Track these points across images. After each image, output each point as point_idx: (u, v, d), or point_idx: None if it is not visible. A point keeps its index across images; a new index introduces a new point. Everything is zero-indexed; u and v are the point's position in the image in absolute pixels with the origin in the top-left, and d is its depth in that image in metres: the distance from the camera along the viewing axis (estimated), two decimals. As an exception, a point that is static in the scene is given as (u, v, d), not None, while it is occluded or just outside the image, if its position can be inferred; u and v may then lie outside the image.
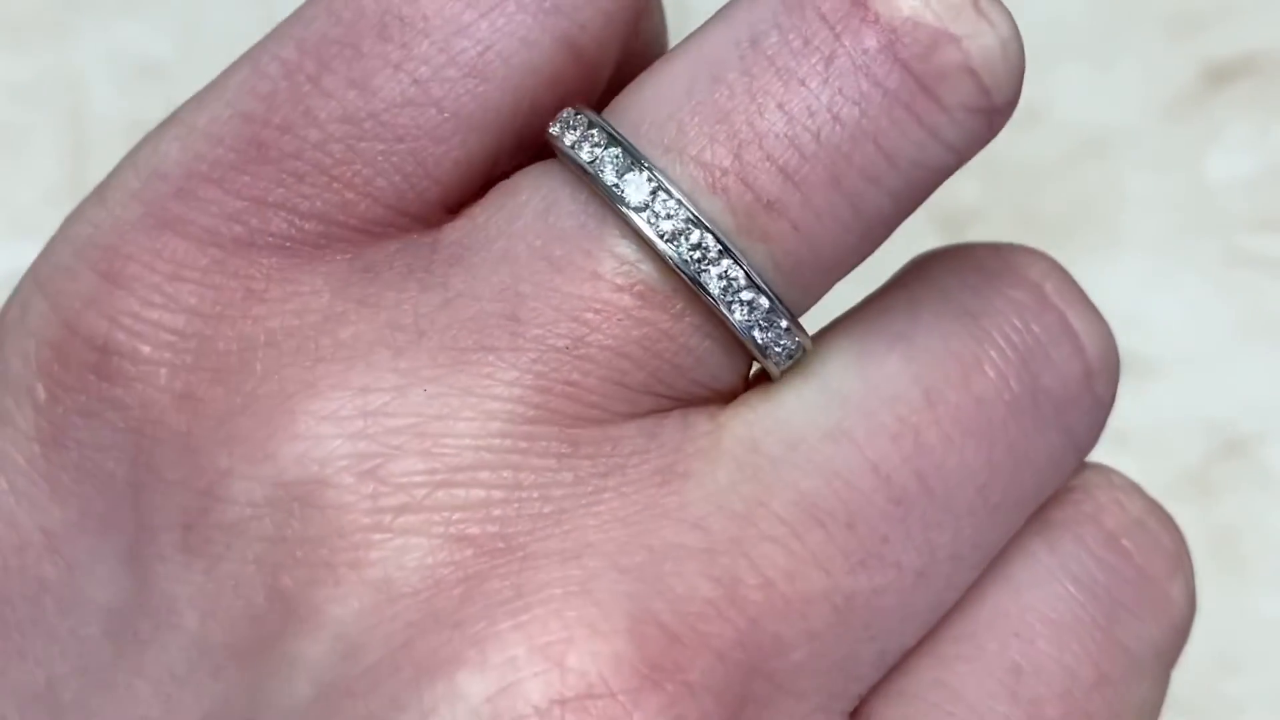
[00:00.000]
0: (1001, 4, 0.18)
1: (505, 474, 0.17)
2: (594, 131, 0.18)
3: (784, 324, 0.18)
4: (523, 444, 0.17)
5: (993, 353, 0.19)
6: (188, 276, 0.18)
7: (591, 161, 0.18)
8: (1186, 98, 0.37)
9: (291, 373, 0.17)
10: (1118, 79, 0.37)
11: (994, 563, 0.19)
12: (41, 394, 0.18)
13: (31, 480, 0.18)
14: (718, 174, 0.17)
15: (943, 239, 0.22)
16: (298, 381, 0.17)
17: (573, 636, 0.17)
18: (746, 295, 0.18)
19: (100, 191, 0.19)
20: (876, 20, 0.17)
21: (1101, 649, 0.19)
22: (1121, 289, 0.36)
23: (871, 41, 0.17)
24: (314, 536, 0.17)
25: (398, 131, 0.18)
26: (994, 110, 0.18)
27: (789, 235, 0.18)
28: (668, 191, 0.17)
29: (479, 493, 0.17)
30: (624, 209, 0.17)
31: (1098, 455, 0.21)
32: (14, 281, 0.19)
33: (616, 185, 0.17)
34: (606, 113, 0.18)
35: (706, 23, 0.18)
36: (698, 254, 0.17)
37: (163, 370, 0.18)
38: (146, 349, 0.18)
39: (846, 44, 0.18)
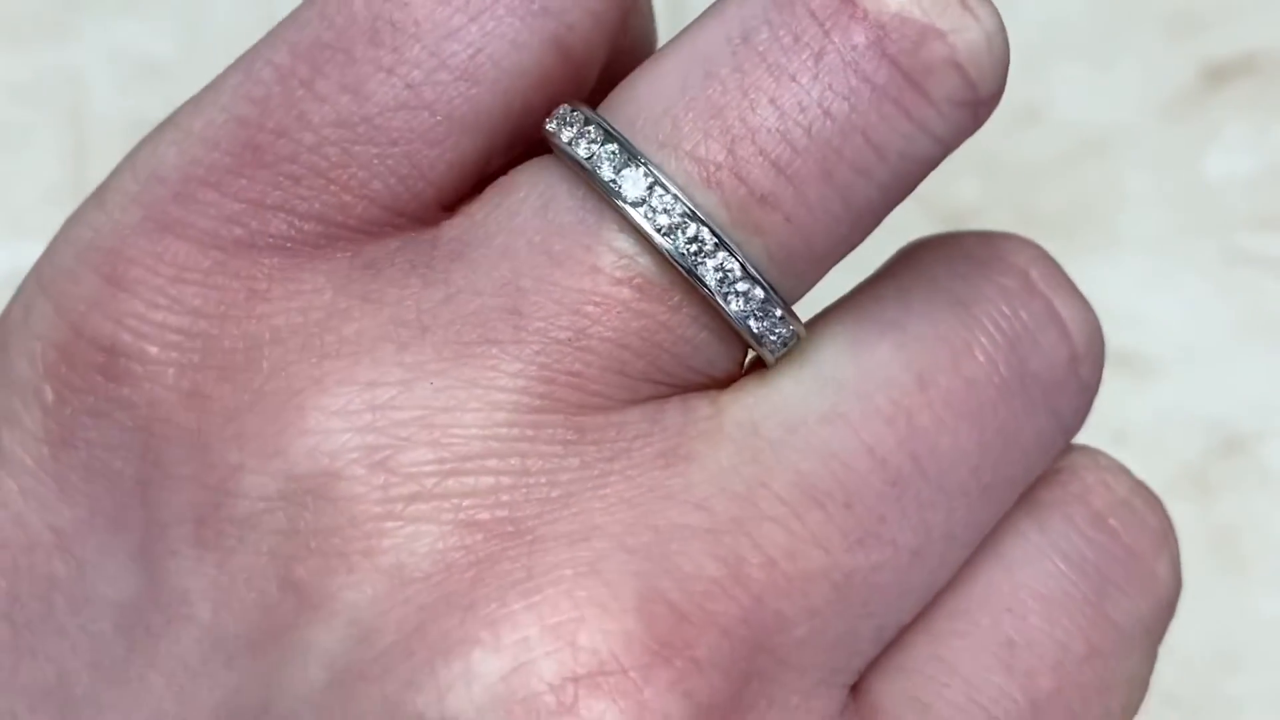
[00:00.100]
0: (986, -2, 0.19)
1: (513, 461, 0.18)
2: (590, 128, 0.18)
3: (779, 313, 0.19)
4: (529, 432, 0.18)
5: (982, 338, 0.19)
6: (190, 278, 0.19)
7: (589, 158, 0.18)
8: (1186, 97, 0.38)
9: (298, 369, 0.18)
10: (1117, 78, 0.38)
11: (986, 542, 0.20)
12: (49, 395, 0.19)
13: (40, 480, 0.19)
14: (712, 169, 0.18)
15: (942, 237, 0.22)
16: (305, 378, 0.18)
17: (583, 616, 0.17)
18: (742, 286, 0.18)
19: (99, 195, 0.19)
20: (865, 17, 0.18)
21: (1091, 623, 0.20)
22: (1121, 288, 0.36)
23: (860, 37, 0.18)
24: (327, 527, 0.18)
25: (391, 135, 0.19)
26: (979, 103, 0.18)
27: (782, 227, 0.18)
28: (664, 186, 0.18)
29: (488, 480, 0.18)
30: (621, 204, 0.18)
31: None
32: (15, 280, 0.20)
33: (614, 181, 0.18)
34: (602, 109, 0.19)
35: (698, 19, 0.19)
36: (694, 247, 0.18)
37: (170, 370, 0.18)
38: (154, 349, 0.18)
39: (836, 40, 0.18)
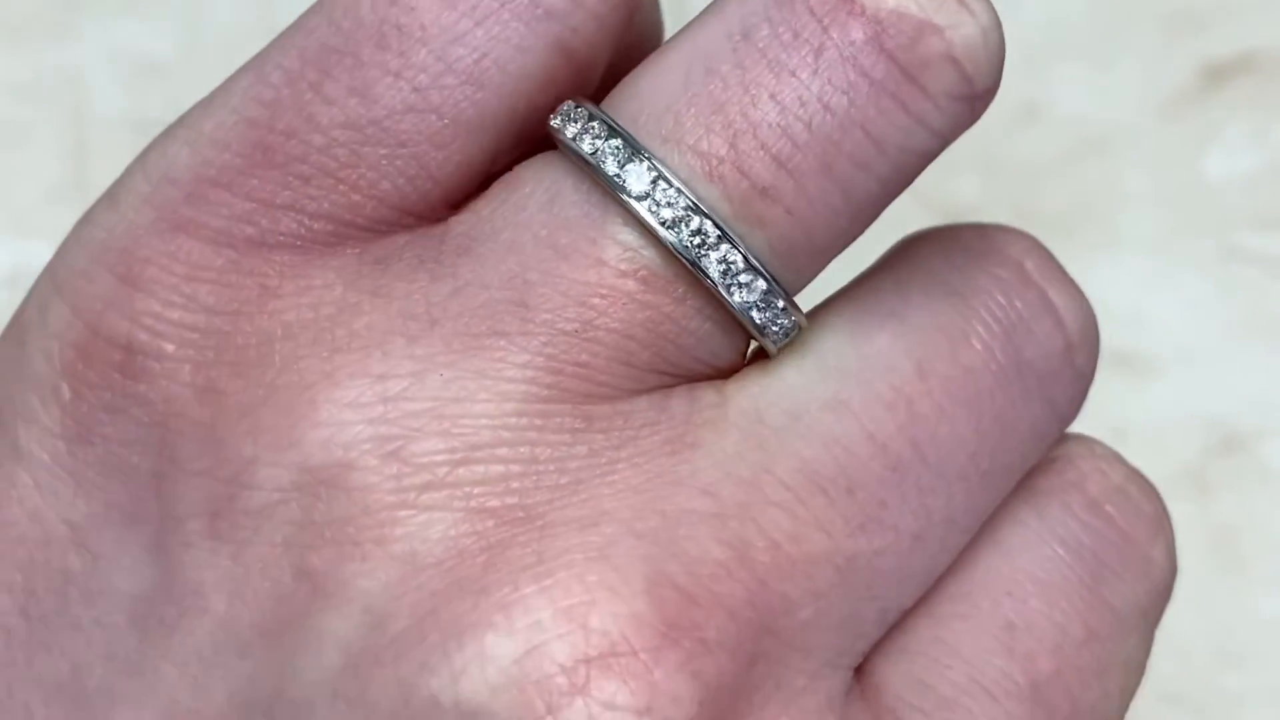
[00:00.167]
0: (982, -7, 0.19)
1: (522, 450, 0.18)
2: (594, 124, 0.19)
3: (781, 304, 0.19)
4: (538, 421, 0.18)
5: (979, 327, 0.20)
6: (204, 277, 0.19)
7: (593, 153, 0.19)
8: (1185, 96, 0.38)
9: (310, 363, 0.19)
10: (1117, 77, 0.38)
11: (985, 528, 0.20)
12: (66, 393, 0.19)
13: (56, 476, 0.19)
14: (714, 163, 0.19)
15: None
16: (317, 372, 0.19)
17: (594, 599, 0.18)
18: (744, 278, 0.19)
19: (111, 196, 0.20)
20: (863, 13, 0.19)
21: (1089, 607, 0.21)
22: (1120, 287, 0.36)
23: (858, 33, 0.19)
24: (340, 517, 0.18)
25: (399, 137, 0.19)
26: (976, 96, 0.19)
27: (784, 220, 0.19)
28: (667, 180, 0.19)
29: (498, 468, 0.18)
30: (626, 198, 0.19)
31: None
32: (16, 278, 0.20)
33: (618, 175, 0.19)
34: (605, 105, 0.19)
35: (699, 16, 0.19)
36: (697, 240, 0.19)
37: (186, 366, 0.19)
38: (170, 347, 0.19)
39: (834, 36, 0.19)
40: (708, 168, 0.19)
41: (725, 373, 0.20)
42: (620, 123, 0.19)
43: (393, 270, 0.19)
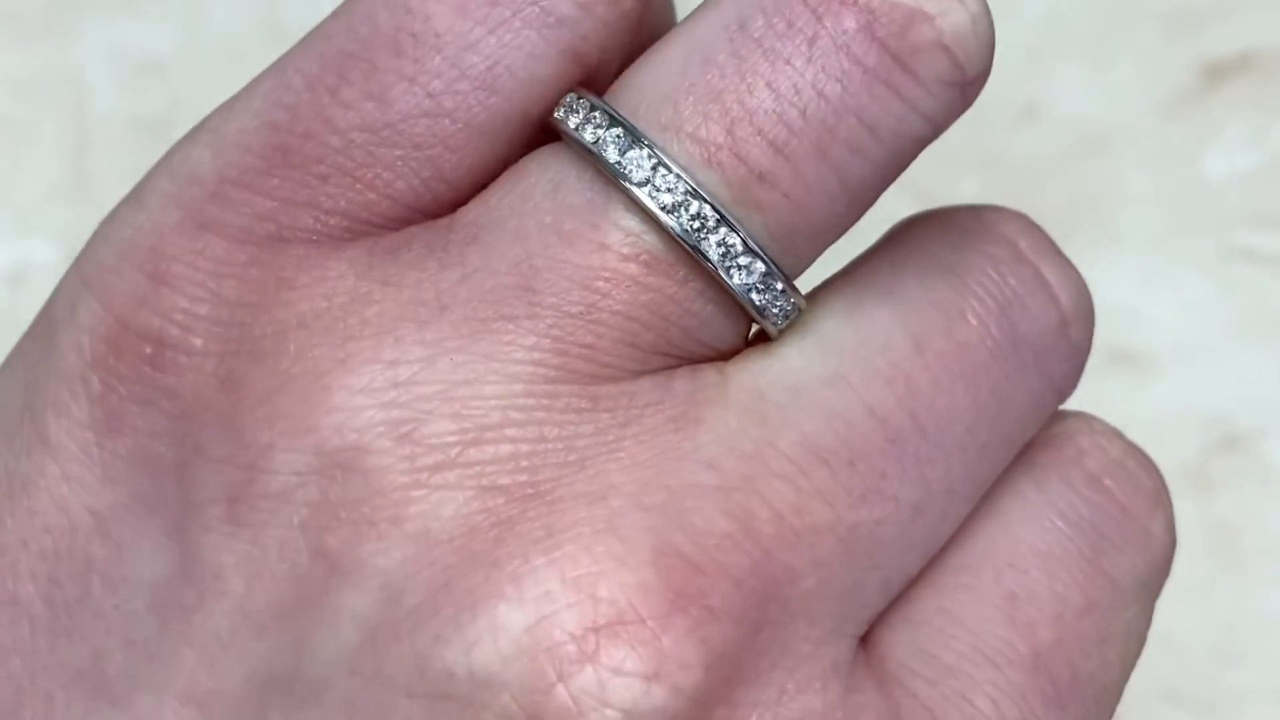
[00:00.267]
0: (972, -20, 0.20)
1: (531, 429, 0.19)
2: (596, 114, 0.20)
3: (780, 286, 0.20)
4: (545, 401, 0.19)
5: (974, 303, 0.21)
6: (228, 273, 0.20)
7: (595, 142, 0.20)
8: (1185, 95, 0.38)
9: (324, 351, 0.19)
10: (1116, 77, 0.39)
11: (986, 501, 0.21)
12: (97, 385, 0.20)
13: (85, 466, 0.20)
14: (713, 149, 0.20)
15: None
16: (330, 359, 0.19)
17: (602, 569, 0.19)
18: (744, 260, 0.20)
19: (137, 196, 0.21)
20: (855, 3, 0.20)
21: (1089, 578, 0.21)
22: (1120, 285, 0.37)
23: (850, 22, 0.20)
24: (356, 498, 0.19)
25: (414, 140, 0.20)
26: (967, 83, 0.20)
27: (781, 204, 0.20)
28: (667, 167, 0.19)
29: (507, 447, 0.19)
30: (627, 185, 0.20)
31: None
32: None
33: (619, 163, 0.20)
34: (607, 96, 0.20)
35: (697, 9, 0.20)
36: (697, 224, 0.20)
37: (211, 359, 0.20)
38: (198, 341, 0.20)
39: (827, 25, 0.20)
40: (706, 154, 0.19)
41: (727, 355, 0.21)
42: (621, 112, 0.20)
43: (403, 259, 0.20)
